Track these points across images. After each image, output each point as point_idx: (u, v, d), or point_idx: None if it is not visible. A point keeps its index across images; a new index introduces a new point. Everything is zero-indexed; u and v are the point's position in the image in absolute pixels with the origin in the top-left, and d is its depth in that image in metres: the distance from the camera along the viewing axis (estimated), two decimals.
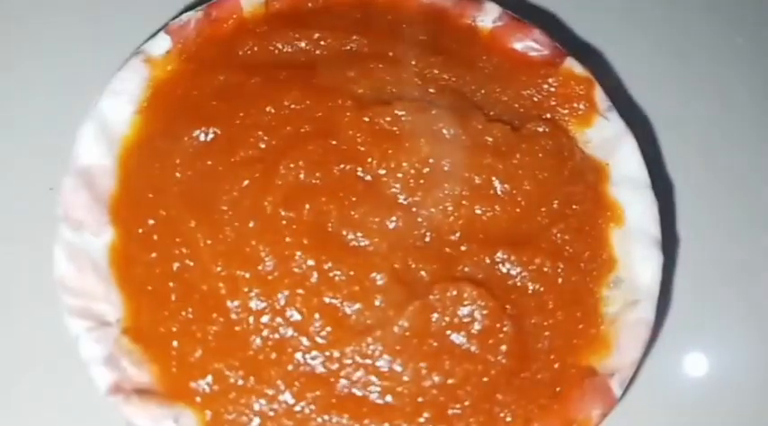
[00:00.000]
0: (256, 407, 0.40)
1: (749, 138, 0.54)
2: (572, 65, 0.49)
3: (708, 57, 0.56)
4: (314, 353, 0.41)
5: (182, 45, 0.48)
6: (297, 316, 0.41)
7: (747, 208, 0.52)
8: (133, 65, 0.47)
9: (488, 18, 0.51)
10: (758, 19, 0.56)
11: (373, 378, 0.41)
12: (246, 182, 0.44)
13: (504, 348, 0.42)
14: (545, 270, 0.44)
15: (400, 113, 0.45)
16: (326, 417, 0.40)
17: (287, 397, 0.41)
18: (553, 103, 0.49)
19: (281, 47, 0.49)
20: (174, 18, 0.48)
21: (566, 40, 0.50)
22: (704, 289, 0.50)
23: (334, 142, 0.45)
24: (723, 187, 0.52)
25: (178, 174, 0.44)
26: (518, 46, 0.51)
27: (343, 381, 0.41)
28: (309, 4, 0.51)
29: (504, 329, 0.42)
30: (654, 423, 0.47)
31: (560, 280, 0.44)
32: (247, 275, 0.42)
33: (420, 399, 0.41)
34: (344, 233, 0.43)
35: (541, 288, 0.44)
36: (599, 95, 0.49)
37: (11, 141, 0.51)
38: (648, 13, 0.57)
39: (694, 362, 0.49)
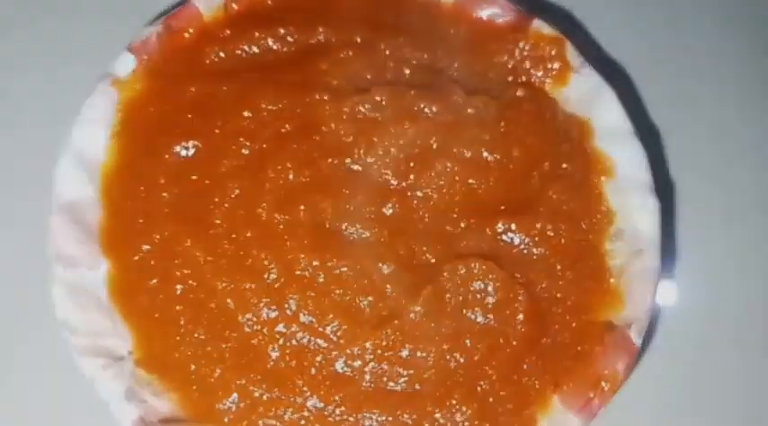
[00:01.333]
0: (287, 417, 0.37)
1: (730, 76, 0.51)
2: (540, 26, 0.46)
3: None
4: (334, 354, 0.38)
5: (147, 61, 0.44)
6: (311, 319, 0.39)
7: (738, 143, 0.49)
8: (101, 89, 0.43)
9: None
10: None
11: (398, 369, 0.38)
12: (237, 192, 0.40)
13: (520, 317, 0.40)
14: (547, 233, 0.42)
15: (379, 99, 0.42)
16: (358, 415, 0.38)
17: (315, 402, 0.38)
18: (527, 67, 0.46)
19: (247, 48, 0.45)
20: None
21: (532, 3, 0.46)
22: (707, 231, 0.47)
23: (317, 138, 0.42)
24: (710, 127, 0.50)
25: (165, 194, 0.41)
26: (483, 14, 0.48)
27: (367, 377, 0.38)
28: (269, 2, 0.47)
29: (519, 298, 0.40)
30: (673, 371, 0.45)
31: (563, 241, 0.42)
32: (254, 286, 0.38)
33: (448, 382, 0.38)
34: (343, 227, 0.41)
35: (547, 252, 0.42)
36: (571, 53, 0.46)
37: None
38: None
39: (708, 306, 0.46)
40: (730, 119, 0.50)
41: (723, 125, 0.50)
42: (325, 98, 0.42)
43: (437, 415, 0.38)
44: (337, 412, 0.38)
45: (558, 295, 0.41)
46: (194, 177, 0.41)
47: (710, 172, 0.49)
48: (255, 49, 0.45)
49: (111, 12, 0.51)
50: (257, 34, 0.45)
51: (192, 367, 0.38)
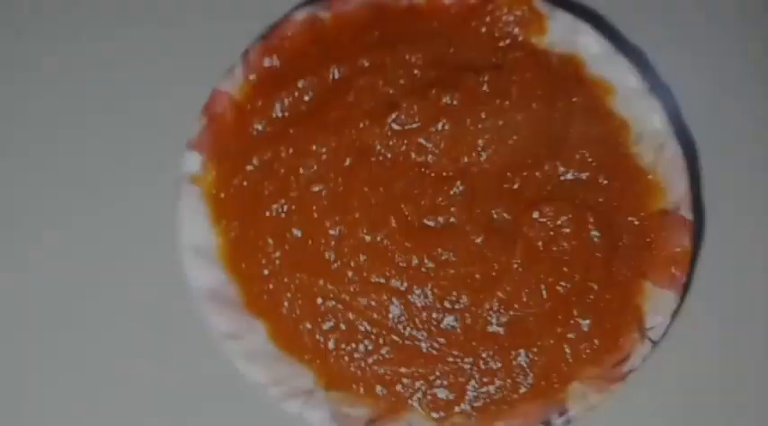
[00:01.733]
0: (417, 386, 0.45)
1: None
2: None
3: None
4: (468, 320, 0.46)
5: (209, 152, 0.50)
6: (433, 300, 0.46)
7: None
8: (186, 190, 0.48)
9: None
10: None
11: (515, 313, 0.46)
12: (338, 229, 0.47)
13: (595, 233, 0.47)
14: (587, 159, 0.49)
15: (409, 108, 0.48)
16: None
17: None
18: (510, 30, 0.52)
19: (279, 107, 0.51)
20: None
21: None
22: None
23: (375, 159, 0.48)
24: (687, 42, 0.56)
25: (278, 253, 0.47)
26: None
27: (494, 326, 0.46)
28: (276, 63, 0.52)
29: (589, 219, 0.47)
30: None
31: (601, 160, 0.49)
32: (386, 296, 0.46)
33: (564, 304, 0.46)
34: (426, 221, 0.47)
35: (590, 174, 0.49)
36: (539, 3, 0.52)
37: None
38: None
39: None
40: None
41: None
42: (367, 123, 0.48)
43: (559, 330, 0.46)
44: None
45: (615, 204, 0.48)
46: (296, 231, 0.47)
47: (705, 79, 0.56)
48: (287, 103, 0.51)
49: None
50: (283, 93, 0.51)
51: (369, 375, 0.45)
